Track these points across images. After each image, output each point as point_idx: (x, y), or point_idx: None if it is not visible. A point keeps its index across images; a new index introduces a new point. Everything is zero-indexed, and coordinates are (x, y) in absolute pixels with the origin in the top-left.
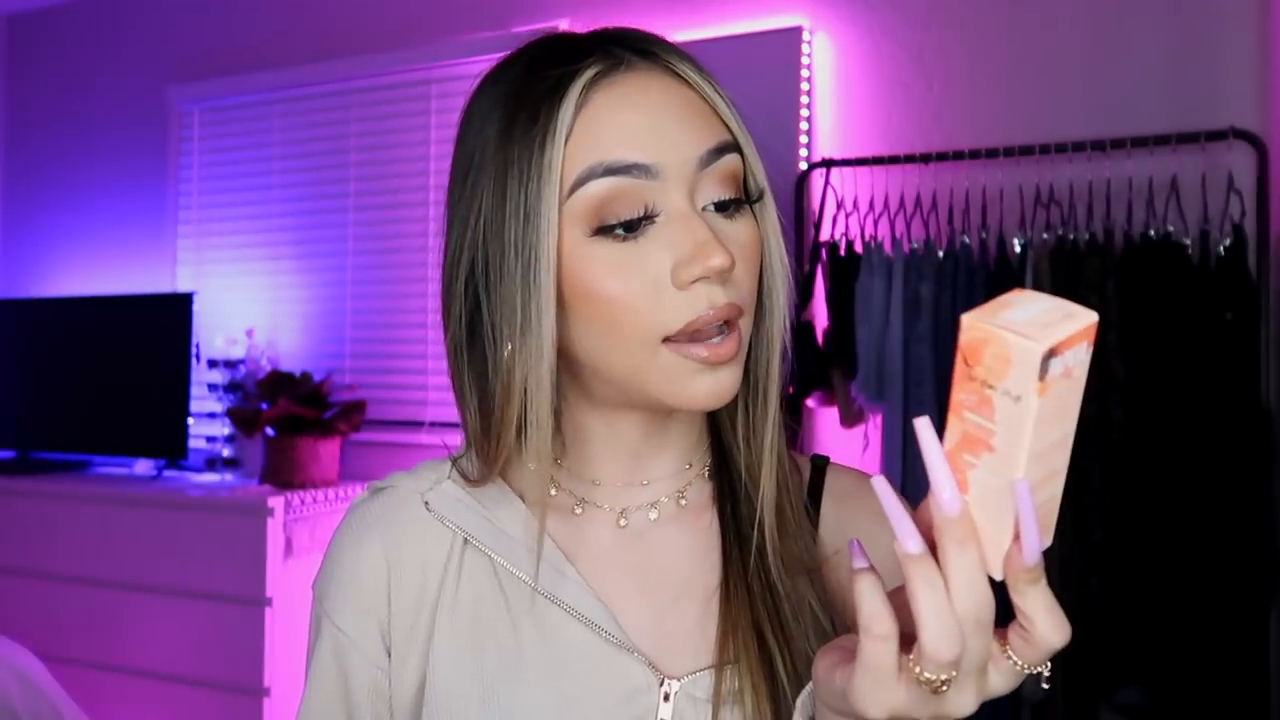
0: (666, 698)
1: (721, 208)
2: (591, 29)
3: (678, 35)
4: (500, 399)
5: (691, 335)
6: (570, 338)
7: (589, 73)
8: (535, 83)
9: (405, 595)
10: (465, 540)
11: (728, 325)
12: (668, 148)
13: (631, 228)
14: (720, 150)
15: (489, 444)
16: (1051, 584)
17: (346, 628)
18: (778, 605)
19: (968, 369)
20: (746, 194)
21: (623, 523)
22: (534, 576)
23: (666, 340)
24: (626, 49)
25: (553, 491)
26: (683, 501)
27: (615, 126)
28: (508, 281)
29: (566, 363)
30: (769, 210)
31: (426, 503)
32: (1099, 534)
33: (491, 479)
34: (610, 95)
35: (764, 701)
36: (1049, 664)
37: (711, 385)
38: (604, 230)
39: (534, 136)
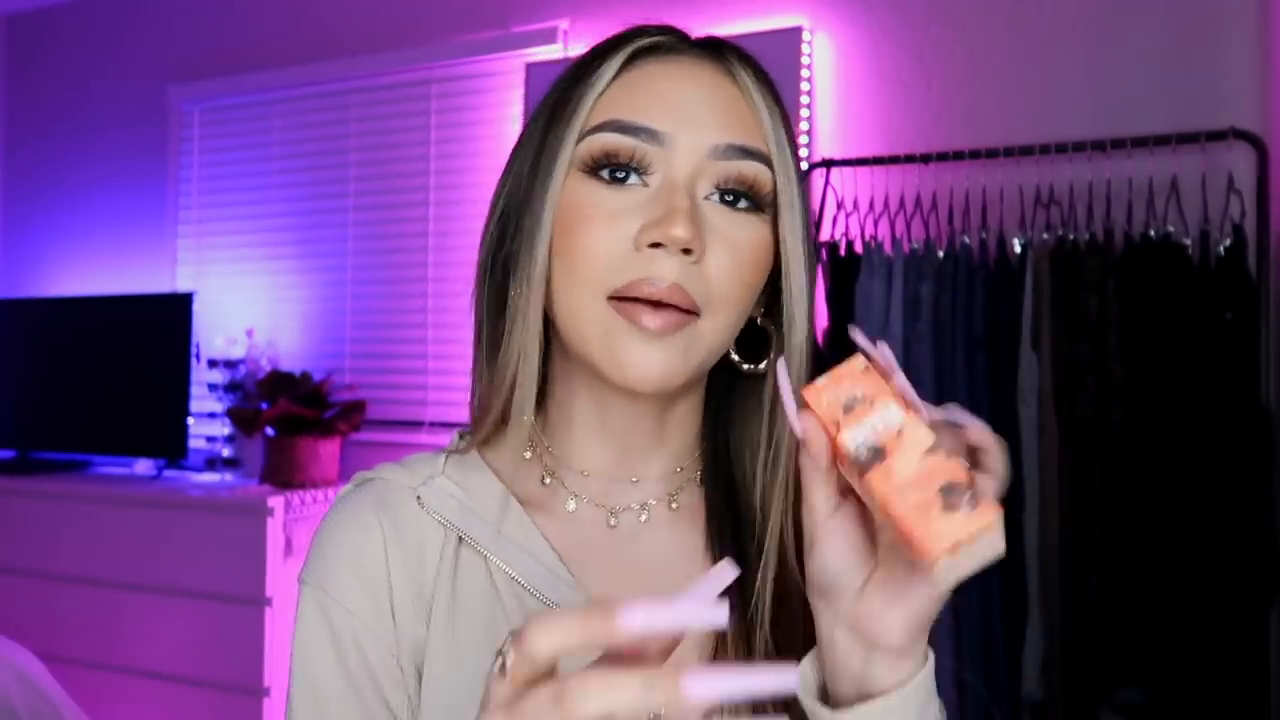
0: None
1: (728, 201)
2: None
3: None
4: (505, 342)
5: (634, 300)
6: (553, 282)
7: (646, 40)
8: (601, 45)
9: (405, 588)
10: (460, 538)
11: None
12: (686, 124)
13: (618, 174)
14: (745, 153)
15: (485, 402)
16: (1052, 584)
17: (355, 608)
18: (769, 613)
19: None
20: (760, 201)
21: (613, 522)
22: (500, 553)
23: (611, 298)
24: (701, 45)
25: (546, 480)
26: (674, 505)
27: (645, 92)
28: (525, 216)
29: (556, 334)
30: (788, 221)
31: (419, 498)
32: (1099, 534)
33: (477, 443)
34: (658, 66)
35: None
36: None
37: (640, 357)
38: (593, 170)
39: (575, 85)
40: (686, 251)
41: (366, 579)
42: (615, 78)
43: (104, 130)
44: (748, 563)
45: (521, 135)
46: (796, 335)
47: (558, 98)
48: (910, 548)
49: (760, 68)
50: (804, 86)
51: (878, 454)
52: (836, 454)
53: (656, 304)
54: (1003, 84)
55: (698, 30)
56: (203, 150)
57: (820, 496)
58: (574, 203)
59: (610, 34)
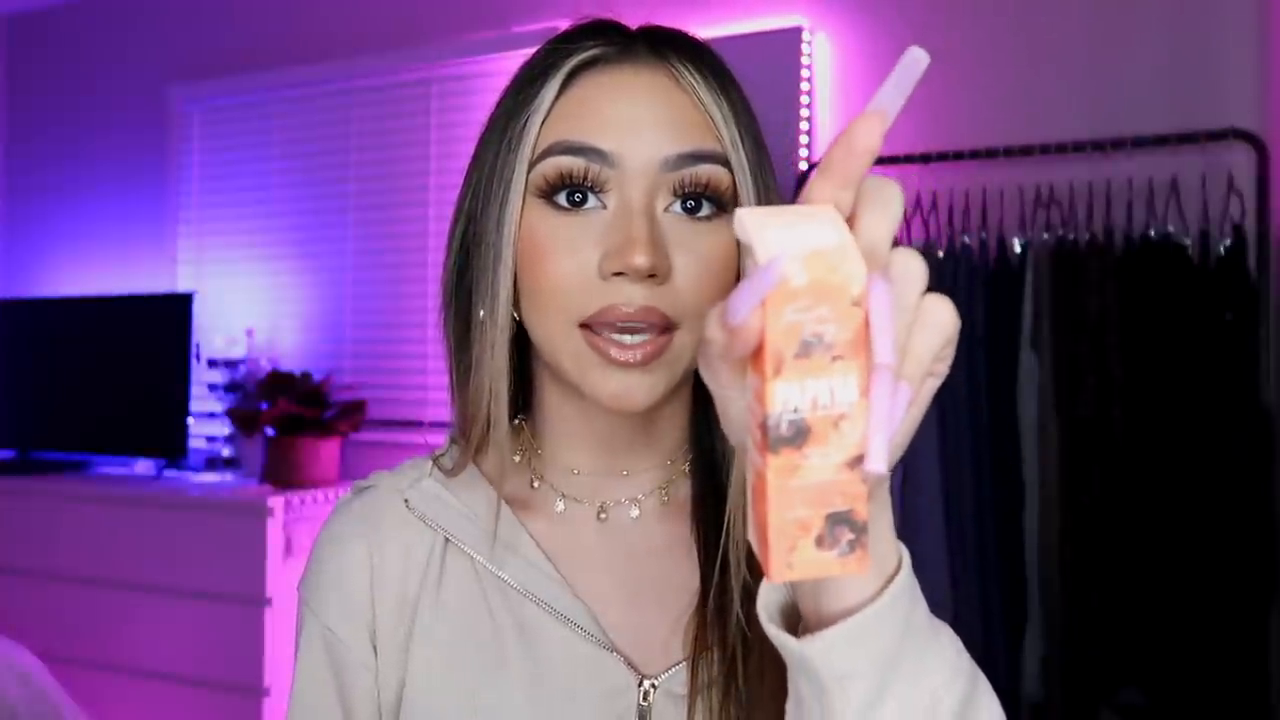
0: (646, 696)
1: (689, 209)
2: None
3: None
4: (474, 368)
5: (606, 325)
6: (523, 309)
7: (584, 55)
8: (542, 57)
9: (388, 596)
10: (447, 540)
11: (658, 330)
12: (634, 142)
13: (574, 200)
14: (697, 158)
15: (466, 420)
16: (1052, 584)
17: (337, 629)
18: (752, 599)
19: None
20: (722, 201)
21: (603, 516)
22: (489, 556)
23: (583, 326)
24: (644, 42)
25: (535, 484)
26: (665, 499)
27: (589, 110)
28: (484, 245)
29: (536, 347)
30: None
31: (406, 501)
32: (1099, 534)
33: (467, 463)
34: (599, 80)
35: (733, 691)
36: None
37: (618, 387)
38: (549, 197)
39: (520, 107)
40: (651, 275)
41: (348, 603)
42: (558, 96)
43: (104, 130)
44: (732, 548)
45: (475, 156)
46: None
47: (505, 122)
48: (759, 550)
49: (708, 60)
50: (804, 86)
51: (799, 435)
52: (758, 371)
53: (632, 330)
54: (1003, 84)
55: (694, 32)
56: (203, 150)
57: (724, 381)
58: (534, 233)
59: (551, 35)
